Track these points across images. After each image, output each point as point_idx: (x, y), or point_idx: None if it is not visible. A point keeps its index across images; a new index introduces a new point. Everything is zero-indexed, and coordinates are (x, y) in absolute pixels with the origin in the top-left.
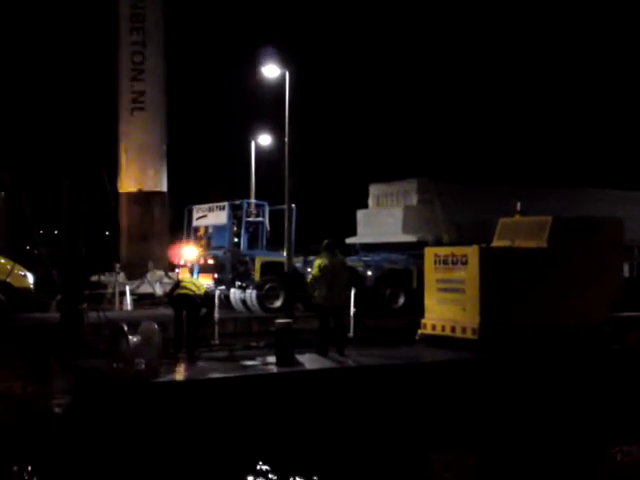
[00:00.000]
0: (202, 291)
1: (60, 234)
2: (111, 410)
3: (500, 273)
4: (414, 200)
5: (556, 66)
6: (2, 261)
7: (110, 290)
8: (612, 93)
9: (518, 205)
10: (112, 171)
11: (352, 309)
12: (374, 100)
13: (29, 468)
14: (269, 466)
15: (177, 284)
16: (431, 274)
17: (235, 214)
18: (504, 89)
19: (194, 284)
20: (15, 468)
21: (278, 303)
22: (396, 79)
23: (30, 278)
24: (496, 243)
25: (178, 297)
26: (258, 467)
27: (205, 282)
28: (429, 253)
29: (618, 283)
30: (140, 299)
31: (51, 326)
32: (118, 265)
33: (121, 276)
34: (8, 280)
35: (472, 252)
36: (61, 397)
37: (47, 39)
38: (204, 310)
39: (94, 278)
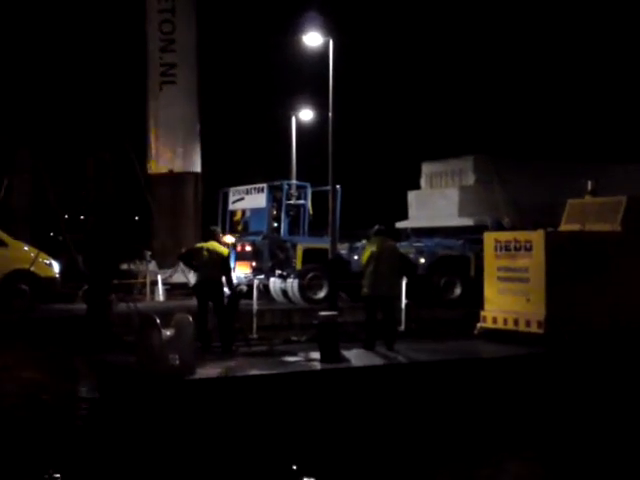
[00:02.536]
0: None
1: (86, 219)
2: (141, 410)
3: (568, 260)
4: (471, 179)
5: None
6: (25, 249)
7: (140, 279)
8: None
9: (589, 184)
10: (140, 151)
11: (404, 300)
12: (425, 70)
13: (52, 470)
14: (311, 468)
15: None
16: (491, 261)
17: (275, 196)
18: (568, 55)
19: (213, 260)
20: (38, 469)
21: (321, 293)
22: (449, 49)
23: (55, 267)
24: (564, 227)
25: (198, 286)
26: (297, 469)
27: (242, 271)
28: (489, 238)
29: None
30: (173, 289)
31: (77, 318)
32: (149, 253)
33: (152, 264)
34: (32, 269)
35: (537, 237)
36: (87, 395)
37: (70, 8)
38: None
39: (124, 267)
